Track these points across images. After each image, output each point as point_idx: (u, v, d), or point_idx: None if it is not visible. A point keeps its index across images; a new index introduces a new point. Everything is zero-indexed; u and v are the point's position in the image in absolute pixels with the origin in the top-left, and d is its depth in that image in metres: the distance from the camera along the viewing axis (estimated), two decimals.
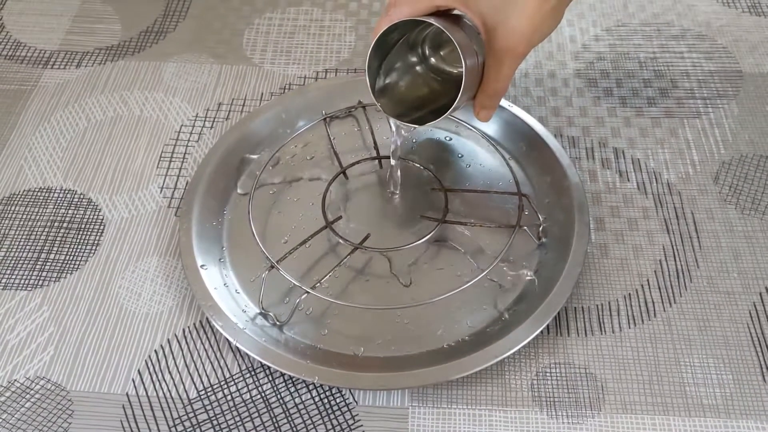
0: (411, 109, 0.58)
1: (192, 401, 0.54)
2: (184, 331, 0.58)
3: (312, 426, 0.53)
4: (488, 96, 0.56)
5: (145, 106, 0.73)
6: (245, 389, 0.55)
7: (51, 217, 0.65)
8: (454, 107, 0.53)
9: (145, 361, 0.56)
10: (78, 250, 0.63)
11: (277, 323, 0.57)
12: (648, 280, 0.60)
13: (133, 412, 0.54)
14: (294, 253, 0.59)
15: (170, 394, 0.55)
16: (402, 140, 0.60)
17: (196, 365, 0.56)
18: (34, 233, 0.64)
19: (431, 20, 0.51)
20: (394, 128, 0.59)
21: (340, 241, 0.61)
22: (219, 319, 0.56)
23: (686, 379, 0.55)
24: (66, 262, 0.62)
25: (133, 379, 0.55)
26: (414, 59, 0.60)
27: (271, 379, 0.55)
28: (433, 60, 0.60)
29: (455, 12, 0.55)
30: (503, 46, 0.52)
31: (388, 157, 0.67)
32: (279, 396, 0.55)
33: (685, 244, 0.62)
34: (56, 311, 0.59)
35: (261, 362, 0.55)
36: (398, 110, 0.57)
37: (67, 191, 0.66)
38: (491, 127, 0.69)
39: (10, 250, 0.63)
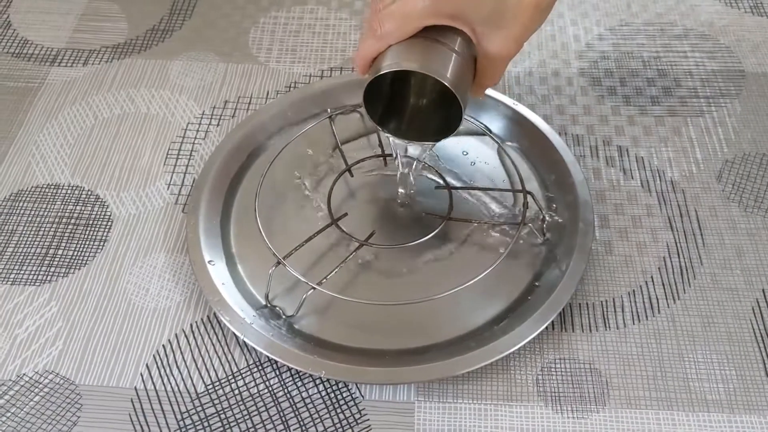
0: (424, 116, 0.59)
1: (200, 395, 0.55)
2: (191, 326, 0.58)
3: (319, 420, 0.54)
4: (481, 88, 0.56)
5: (151, 103, 0.74)
6: (252, 383, 0.55)
7: (59, 214, 0.65)
8: (458, 126, 0.53)
9: (153, 355, 0.57)
10: (86, 246, 0.63)
11: (284, 317, 0.58)
12: (652, 277, 0.61)
13: (141, 405, 0.54)
14: (300, 249, 0.59)
15: (178, 389, 0.55)
16: (423, 154, 0.60)
17: (203, 360, 0.56)
18: (43, 229, 0.64)
19: (415, 68, 0.50)
20: (412, 150, 0.59)
21: (346, 237, 0.61)
22: (226, 314, 0.56)
23: (690, 374, 0.56)
24: (74, 257, 0.62)
25: (141, 374, 0.56)
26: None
27: (278, 373, 0.56)
28: (443, 81, 0.60)
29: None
30: (497, 52, 0.52)
31: (393, 155, 0.67)
32: (286, 390, 0.55)
33: (688, 242, 0.63)
34: (65, 306, 0.59)
35: (268, 357, 0.55)
36: (412, 124, 0.58)
37: (74, 188, 0.67)
38: (496, 125, 0.69)
39: (18, 245, 0.63)
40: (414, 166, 0.60)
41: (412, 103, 0.60)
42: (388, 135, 0.57)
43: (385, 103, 0.57)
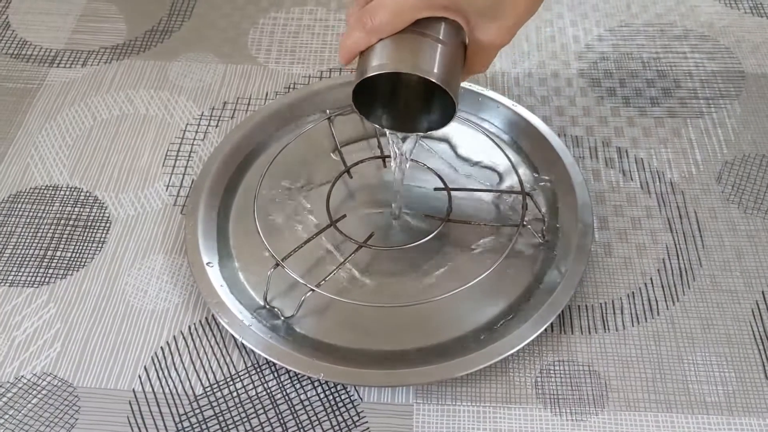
0: (417, 107, 0.57)
1: (198, 397, 0.55)
2: (190, 327, 0.58)
3: (317, 422, 0.54)
4: (472, 75, 0.55)
5: (150, 104, 0.73)
6: (251, 386, 0.55)
7: (57, 215, 0.65)
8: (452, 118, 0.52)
9: (152, 357, 0.56)
10: (84, 248, 0.63)
11: (283, 319, 0.57)
12: (651, 279, 0.61)
13: (139, 408, 0.54)
14: (299, 250, 0.59)
15: (176, 391, 0.55)
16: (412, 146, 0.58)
17: (202, 362, 0.56)
18: (41, 231, 0.64)
19: (405, 70, 0.49)
20: (403, 144, 0.57)
21: (345, 239, 0.61)
22: (225, 316, 0.56)
23: (689, 376, 0.55)
24: (72, 259, 0.62)
25: (139, 376, 0.56)
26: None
27: (276, 375, 0.56)
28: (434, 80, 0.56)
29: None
30: (490, 42, 0.51)
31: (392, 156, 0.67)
32: (284, 392, 0.55)
33: (688, 243, 0.63)
34: (63, 308, 0.59)
35: (266, 359, 0.55)
36: (406, 115, 0.57)
37: (73, 189, 0.67)
38: (495, 126, 0.69)
39: (16, 247, 0.63)
40: (407, 166, 0.59)
41: (404, 95, 0.58)
42: (380, 127, 0.56)
43: (377, 97, 0.55)
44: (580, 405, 0.54)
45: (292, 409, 0.54)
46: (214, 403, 0.54)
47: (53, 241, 0.63)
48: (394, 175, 0.60)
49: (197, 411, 0.54)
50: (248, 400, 0.55)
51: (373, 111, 0.55)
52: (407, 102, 0.57)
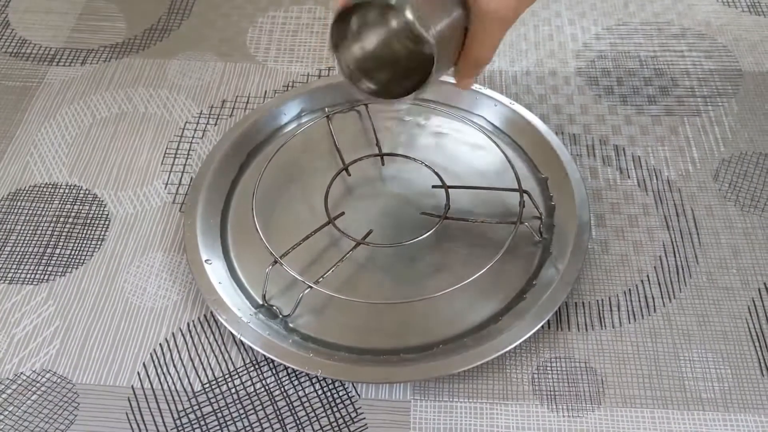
0: (393, 76, 0.54)
1: (196, 394, 0.55)
2: (188, 324, 0.58)
3: (315, 419, 0.54)
4: (470, 64, 0.52)
5: (149, 103, 0.74)
6: (249, 382, 0.55)
7: (57, 213, 0.65)
8: (428, 82, 0.49)
9: (150, 354, 0.57)
10: (83, 245, 0.63)
11: (281, 316, 0.58)
12: (648, 276, 0.61)
13: (138, 404, 0.54)
14: (297, 248, 0.60)
15: (175, 387, 0.55)
16: None
17: (200, 358, 0.57)
18: (40, 228, 0.64)
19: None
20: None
21: (343, 236, 0.62)
22: (223, 313, 0.56)
23: (685, 373, 0.56)
24: (72, 256, 0.62)
25: (138, 372, 0.56)
26: (389, 18, 0.53)
27: (274, 372, 0.56)
28: (409, 15, 0.50)
29: None
30: (492, 9, 0.48)
31: (390, 154, 0.67)
32: (282, 389, 0.55)
33: (684, 241, 0.63)
34: (62, 305, 0.60)
35: (265, 355, 0.55)
36: (378, 79, 0.53)
37: (72, 187, 0.67)
38: (493, 124, 0.69)
39: (16, 244, 0.63)
40: None
41: (392, 65, 0.54)
42: (367, 96, 0.52)
43: (364, 66, 0.52)
44: (576, 401, 0.54)
45: (290, 405, 0.54)
46: (213, 400, 0.55)
47: (52, 239, 0.64)
48: None
49: (196, 407, 0.54)
50: (246, 397, 0.55)
51: (359, 80, 0.52)
52: (395, 75, 0.54)
